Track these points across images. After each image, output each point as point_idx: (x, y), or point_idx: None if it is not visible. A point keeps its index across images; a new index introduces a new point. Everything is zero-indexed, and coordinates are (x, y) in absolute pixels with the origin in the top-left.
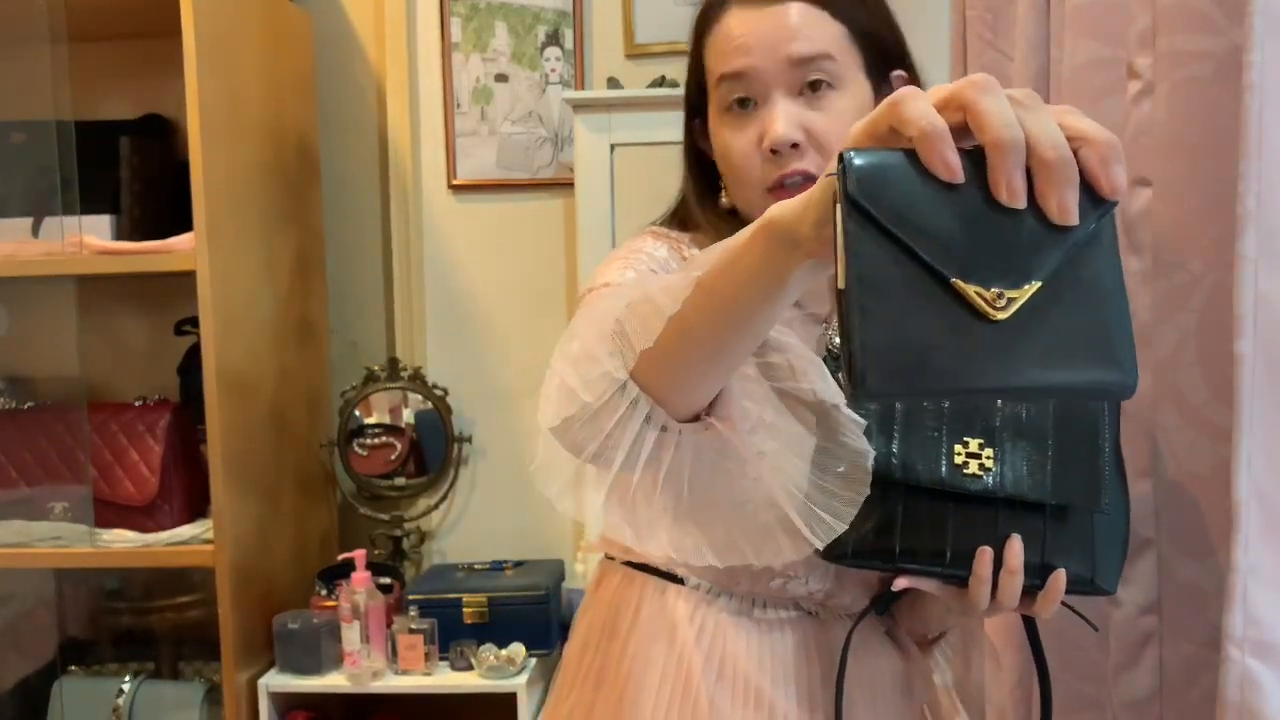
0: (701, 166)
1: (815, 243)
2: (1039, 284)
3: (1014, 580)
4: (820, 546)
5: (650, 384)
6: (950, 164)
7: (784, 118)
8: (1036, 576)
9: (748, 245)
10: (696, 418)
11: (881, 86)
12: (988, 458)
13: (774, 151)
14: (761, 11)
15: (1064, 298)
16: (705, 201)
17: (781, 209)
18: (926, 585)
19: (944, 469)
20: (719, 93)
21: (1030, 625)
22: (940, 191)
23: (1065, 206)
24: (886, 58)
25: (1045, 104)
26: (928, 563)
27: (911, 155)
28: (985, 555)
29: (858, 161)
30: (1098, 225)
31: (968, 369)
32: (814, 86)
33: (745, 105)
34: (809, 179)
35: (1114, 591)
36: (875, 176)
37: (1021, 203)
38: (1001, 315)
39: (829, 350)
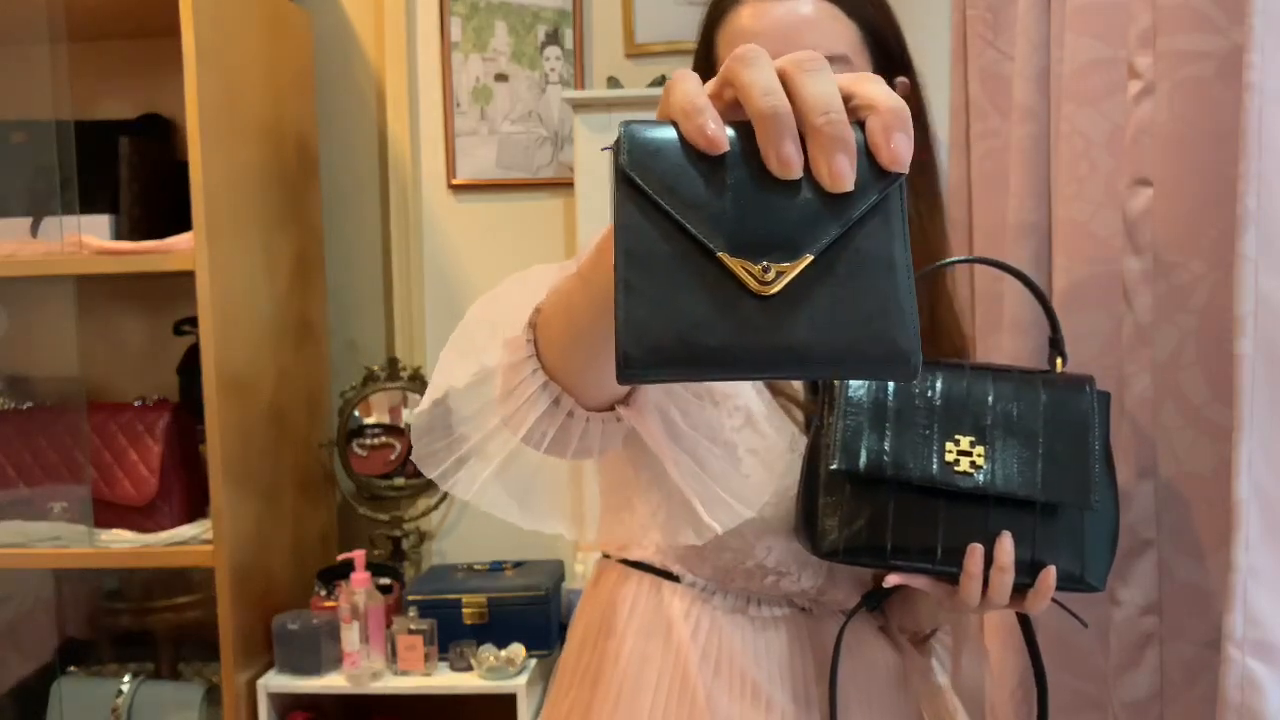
0: None
1: None
2: (810, 258)
3: (1004, 577)
4: (719, 530)
5: (556, 372)
6: (708, 135)
7: None
8: (1027, 574)
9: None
10: (612, 408)
11: None
12: (979, 455)
13: None
14: (782, 4)
15: (839, 273)
16: None
17: None
18: (918, 582)
19: (935, 466)
20: None
21: (1026, 626)
22: (714, 167)
23: (836, 173)
24: (891, 61)
25: (831, 69)
26: (919, 559)
27: None
28: (976, 552)
29: (632, 133)
30: (882, 198)
31: (733, 347)
32: None
33: None
34: None
35: (1102, 588)
36: (647, 148)
37: (793, 173)
38: (769, 290)
39: None
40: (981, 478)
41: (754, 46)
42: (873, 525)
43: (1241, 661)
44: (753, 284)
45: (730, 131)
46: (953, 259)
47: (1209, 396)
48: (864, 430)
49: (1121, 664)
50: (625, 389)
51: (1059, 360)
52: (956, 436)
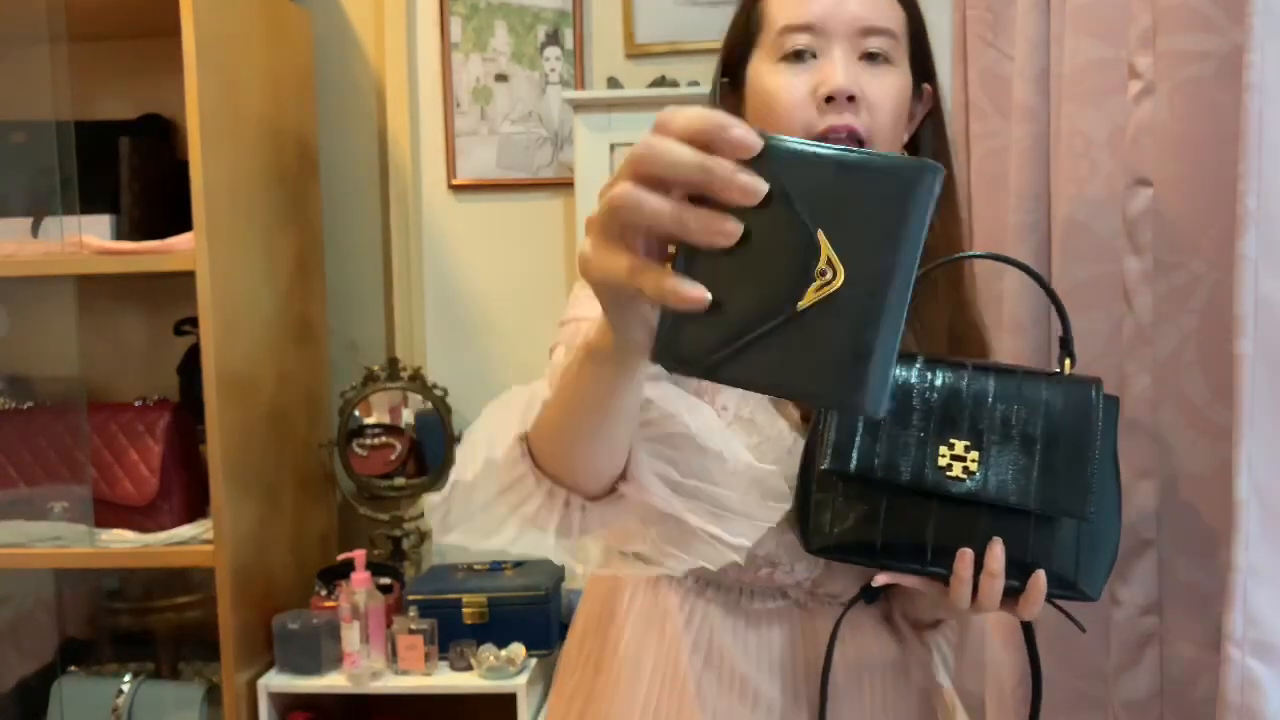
0: None
1: (625, 352)
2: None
3: (994, 583)
4: (748, 544)
5: (554, 473)
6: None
7: (846, 69)
8: (1018, 578)
9: (578, 373)
10: (613, 489)
11: (915, 87)
12: (972, 460)
13: (829, 100)
14: None
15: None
16: None
17: (598, 338)
18: (909, 581)
19: (927, 470)
20: (778, 41)
21: (1027, 625)
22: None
23: (747, 191)
24: (923, 64)
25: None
26: (908, 560)
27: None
28: (965, 557)
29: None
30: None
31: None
32: (872, 57)
33: (802, 57)
34: (854, 136)
35: (1097, 597)
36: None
37: (735, 236)
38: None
39: None
40: (973, 484)
41: (619, 189)
42: (864, 524)
43: (1241, 661)
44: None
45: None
46: (967, 254)
47: (1209, 397)
48: (858, 430)
49: (1121, 663)
50: (620, 469)
51: (1068, 361)
52: (951, 440)
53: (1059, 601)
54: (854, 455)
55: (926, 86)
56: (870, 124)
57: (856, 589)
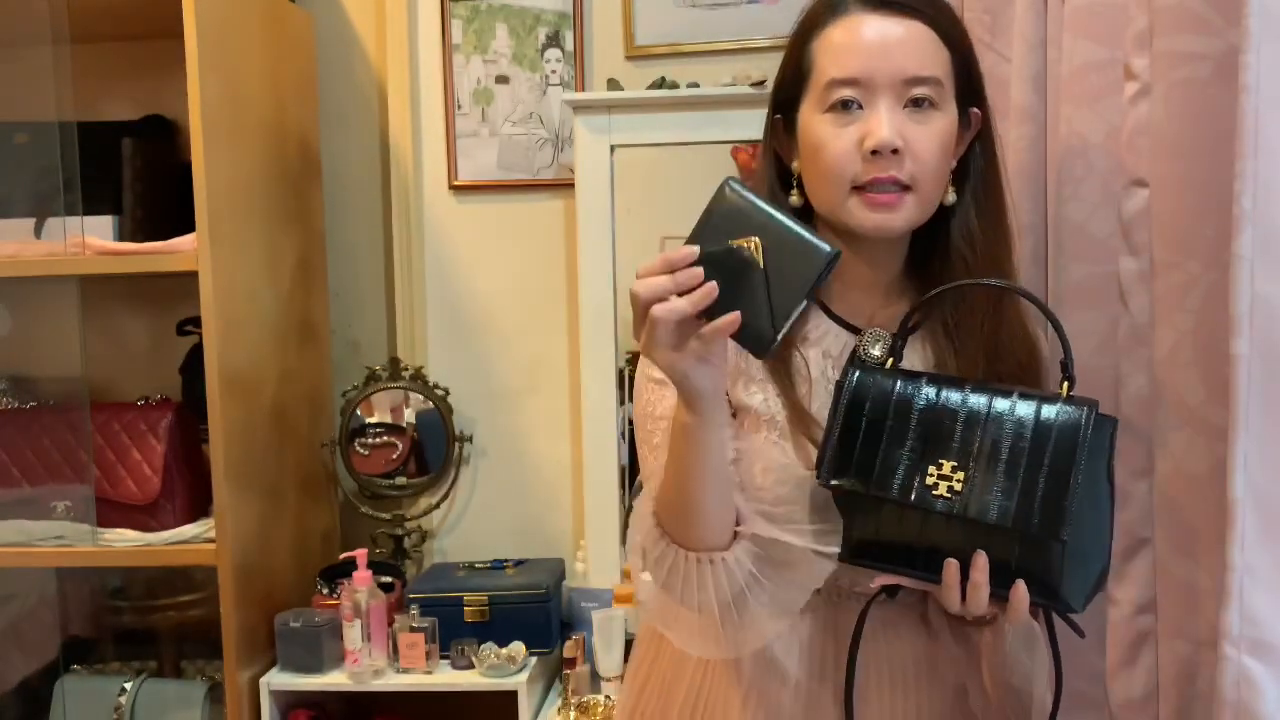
0: (776, 163)
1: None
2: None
3: (978, 591)
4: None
5: (688, 544)
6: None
7: (890, 123)
8: (1004, 586)
9: (678, 445)
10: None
11: (962, 117)
12: (958, 480)
13: (875, 153)
14: (885, 21)
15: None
16: (774, 199)
17: (682, 410)
18: (906, 582)
19: (915, 487)
20: (825, 93)
21: (1050, 627)
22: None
23: (705, 292)
24: (972, 91)
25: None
26: (902, 566)
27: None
28: (951, 566)
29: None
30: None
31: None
32: (917, 103)
33: (849, 107)
34: (898, 184)
35: (1079, 610)
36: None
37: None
38: None
39: (856, 354)
40: (955, 503)
41: (654, 312)
42: (865, 533)
43: (1238, 660)
44: None
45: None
46: (965, 282)
47: (1205, 396)
48: (855, 448)
49: (1118, 662)
50: (734, 519)
51: (1065, 385)
52: (940, 460)
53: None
54: (851, 470)
55: (975, 111)
56: (914, 171)
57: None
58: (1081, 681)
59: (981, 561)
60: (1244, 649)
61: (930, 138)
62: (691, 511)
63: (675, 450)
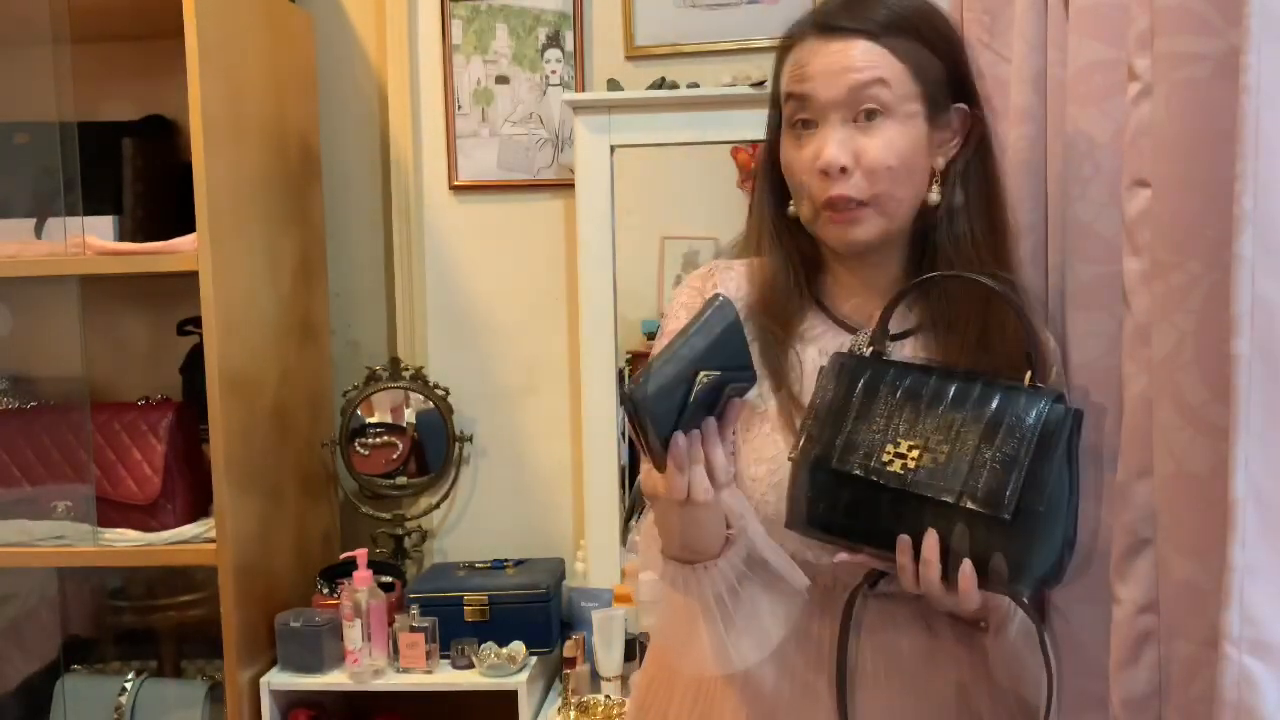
0: (776, 176)
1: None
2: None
3: (929, 571)
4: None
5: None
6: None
7: (835, 142)
8: (955, 569)
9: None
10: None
11: (940, 117)
12: (913, 458)
13: (824, 173)
14: (829, 44)
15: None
16: (775, 208)
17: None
18: (871, 562)
19: (873, 463)
20: (786, 110)
21: (1039, 627)
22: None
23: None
24: (949, 88)
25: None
26: (860, 542)
27: None
28: (903, 543)
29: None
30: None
31: None
32: (869, 115)
33: (808, 126)
34: (853, 202)
35: (1030, 591)
36: None
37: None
38: None
39: (851, 350)
40: (906, 475)
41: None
42: (829, 507)
43: (1239, 660)
44: None
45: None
46: (932, 275)
47: (1206, 396)
48: (825, 426)
49: (1120, 662)
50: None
51: (1029, 374)
52: (899, 439)
53: (1024, 597)
54: (816, 447)
55: (960, 108)
56: (866, 187)
57: (876, 578)
58: (1093, 681)
59: (931, 540)
60: (1244, 649)
61: (882, 147)
62: (687, 542)
63: (671, 525)
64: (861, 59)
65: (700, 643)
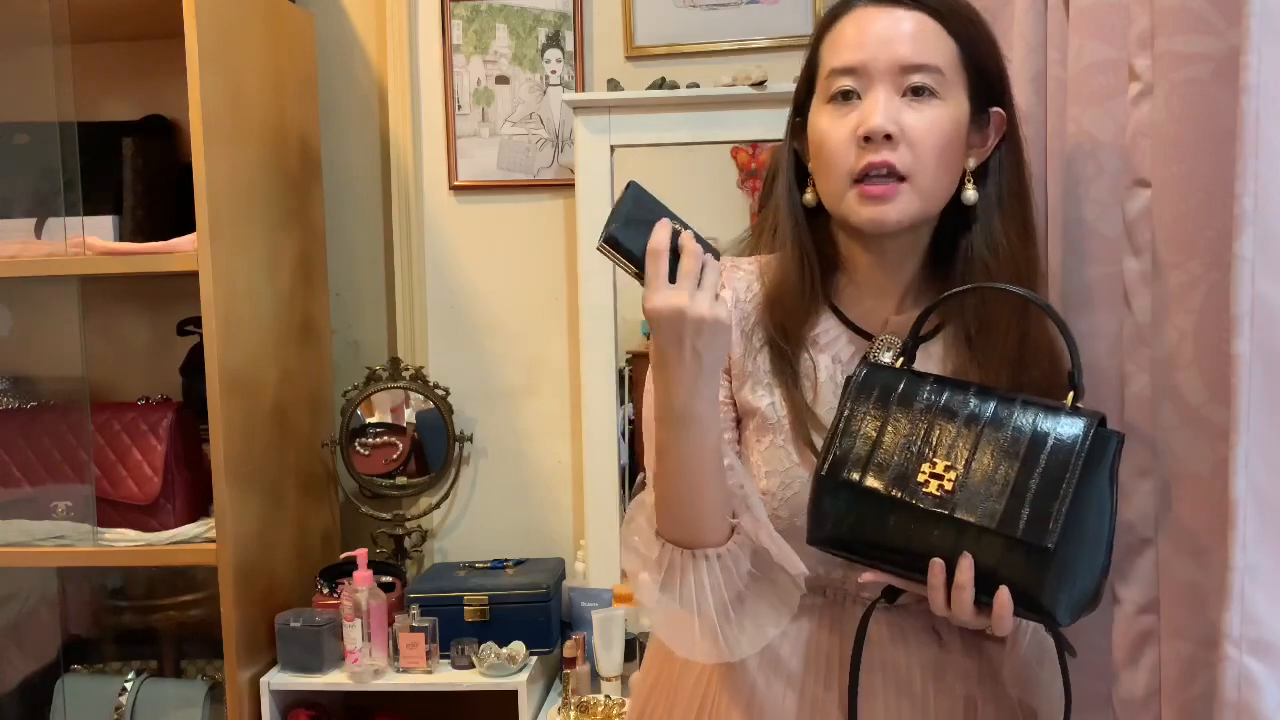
0: (793, 164)
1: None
2: None
3: (963, 595)
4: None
5: (685, 542)
6: None
7: (883, 108)
8: (989, 593)
9: (674, 425)
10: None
11: (979, 116)
12: (949, 480)
13: (867, 139)
14: (882, 13)
15: None
16: (791, 196)
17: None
18: (887, 578)
19: (908, 483)
20: (827, 84)
21: (1056, 636)
22: None
23: None
24: (989, 89)
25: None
26: (889, 561)
27: None
28: (936, 566)
29: None
30: None
31: None
32: (917, 92)
33: (849, 97)
34: (893, 172)
35: (1066, 623)
36: None
37: None
38: None
39: (865, 358)
40: (943, 500)
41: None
42: (857, 524)
43: (1239, 660)
44: None
45: None
46: (983, 284)
47: (1207, 396)
48: (856, 442)
49: (1121, 662)
50: (721, 518)
51: (1071, 395)
52: (935, 459)
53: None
54: (847, 464)
55: (996, 110)
56: (909, 160)
57: (894, 594)
58: (1094, 680)
59: (966, 564)
60: (1245, 649)
61: (928, 125)
62: (688, 507)
63: (669, 446)
64: (920, 30)
65: (693, 629)
